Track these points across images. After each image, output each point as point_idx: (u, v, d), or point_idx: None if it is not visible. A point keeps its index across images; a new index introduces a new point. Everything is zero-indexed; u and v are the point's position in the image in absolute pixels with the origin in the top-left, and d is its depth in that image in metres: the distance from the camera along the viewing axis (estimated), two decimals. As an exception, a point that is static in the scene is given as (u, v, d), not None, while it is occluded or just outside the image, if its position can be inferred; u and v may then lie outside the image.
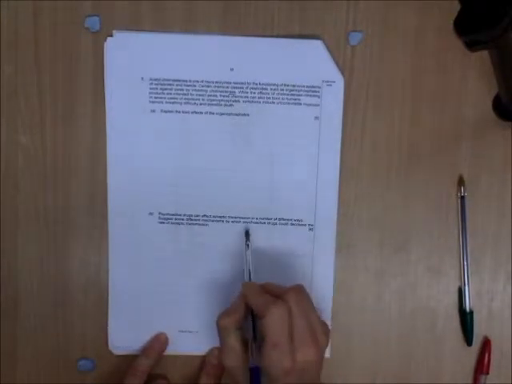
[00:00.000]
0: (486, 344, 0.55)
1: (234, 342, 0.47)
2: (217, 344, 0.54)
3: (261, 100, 0.53)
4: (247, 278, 0.51)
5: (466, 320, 0.55)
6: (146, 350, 0.54)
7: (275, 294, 0.46)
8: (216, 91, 0.53)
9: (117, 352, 0.55)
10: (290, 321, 0.44)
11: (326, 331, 0.47)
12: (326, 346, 0.47)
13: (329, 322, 0.54)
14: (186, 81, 0.53)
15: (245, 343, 0.48)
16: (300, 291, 0.47)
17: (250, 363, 0.46)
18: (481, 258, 0.55)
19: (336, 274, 0.54)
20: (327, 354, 0.54)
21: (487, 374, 0.55)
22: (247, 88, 0.53)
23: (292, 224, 0.54)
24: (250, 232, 0.53)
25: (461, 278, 0.55)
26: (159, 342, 0.54)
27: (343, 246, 0.54)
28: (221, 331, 0.48)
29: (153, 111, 0.53)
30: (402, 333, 0.55)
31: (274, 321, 0.44)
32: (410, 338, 0.55)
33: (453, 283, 0.55)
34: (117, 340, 0.54)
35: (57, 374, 0.55)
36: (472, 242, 0.55)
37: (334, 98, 0.53)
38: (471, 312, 0.55)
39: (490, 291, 0.55)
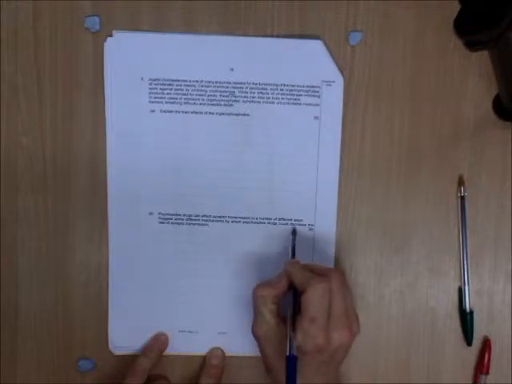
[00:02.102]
0: (486, 344, 0.55)
1: (268, 313, 0.48)
2: (216, 344, 0.54)
3: (261, 100, 0.53)
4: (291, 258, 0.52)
5: (465, 320, 0.55)
6: (145, 349, 0.54)
7: (317, 272, 0.47)
8: (216, 91, 0.53)
9: (117, 352, 0.55)
10: (330, 299, 0.45)
11: (357, 319, 0.47)
12: (358, 332, 0.47)
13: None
14: (186, 81, 0.53)
15: (278, 316, 0.48)
16: (342, 274, 0.48)
17: (288, 352, 0.45)
18: (481, 258, 0.55)
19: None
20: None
21: (487, 373, 0.55)
22: (247, 88, 0.53)
23: (292, 224, 0.54)
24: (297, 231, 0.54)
25: (461, 278, 0.55)
26: (159, 341, 0.54)
27: (343, 245, 0.54)
28: (257, 300, 0.48)
29: (152, 111, 0.53)
30: (402, 333, 0.55)
31: (316, 295, 0.44)
32: (410, 338, 0.55)
33: (453, 283, 0.55)
34: (117, 340, 0.54)
35: (57, 374, 0.55)
36: (472, 242, 0.55)
37: (333, 98, 0.53)
38: (471, 312, 0.55)
39: (490, 291, 0.55)
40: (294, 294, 0.48)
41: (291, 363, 0.44)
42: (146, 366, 0.53)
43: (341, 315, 0.45)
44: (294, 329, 0.45)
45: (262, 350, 0.48)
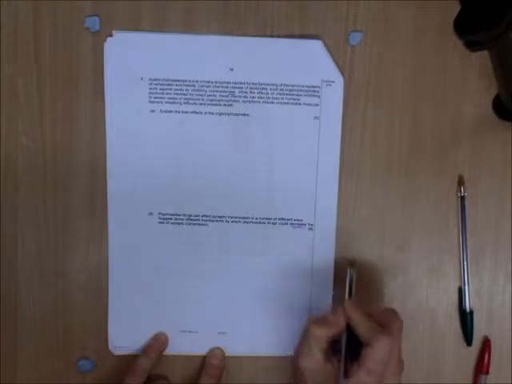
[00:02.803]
0: (486, 344, 0.55)
1: (317, 350, 0.46)
2: (216, 344, 0.54)
3: (260, 100, 0.53)
4: (348, 296, 0.50)
5: (465, 320, 0.55)
6: (145, 349, 0.54)
7: (377, 319, 0.46)
8: (215, 91, 0.53)
9: (117, 352, 0.55)
10: (391, 355, 0.44)
11: (402, 359, 0.47)
12: (401, 373, 0.47)
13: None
14: (186, 81, 0.53)
15: (327, 355, 0.47)
16: (401, 321, 0.47)
17: None
18: (481, 258, 0.55)
19: (336, 273, 0.54)
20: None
21: (487, 373, 0.55)
22: (247, 88, 0.53)
23: (292, 224, 0.54)
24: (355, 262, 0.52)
25: (461, 278, 0.55)
26: (159, 341, 0.54)
27: (343, 245, 0.54)
28: (310, 337, 0.46)
29: (152, 111, 0.53)
30: (402, 333, 0.55)
31: (380, 351, 0.44)
32: (410, 337, 0.55)
33: (453, 283, 0.55)
34: (117, 340, 0.54)
35: (57, 374, 0.55)
36: (472, 242, 0.55)
37: (333, 98, 0.53)
38: (471, 312, 0.55)
39: (490, 291, 0.55)
40: (349, 335, 0.47)
41: None
42: (146, 366, 0.53)
43: (394, 364, 0.45)
44: (346, 374, 0.45)
45: (300, 382, 0.47)
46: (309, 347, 0.46)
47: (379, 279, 0.55)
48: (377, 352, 0.44)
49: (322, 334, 0.46)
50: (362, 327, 0.46)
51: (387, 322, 0.46)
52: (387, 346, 0.44)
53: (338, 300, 0.53)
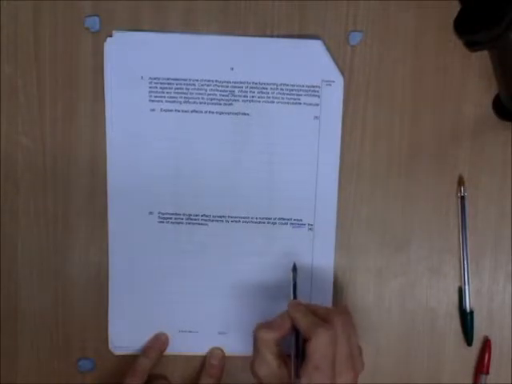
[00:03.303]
0: (486, 344, 0.55)
1: (270, 355, 0.46)
2: (216, 344, 0.54)
3: (260, 99, 0.53)
4: (292, 297, 0.50)
5: (465, 320, 0.55)
6: (146, 349, 0.54)
7: (321, 315, 0.46)
8: (216, 90, 0.53)
9: (117, 352, 0.55)
10: (335, 346, 0.44)
11: (361, 355, 0.47)
12: (362, 370, 0.47)
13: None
14: (186, 80, 0.53)
15: (279, 358, 0.46)
16: (346, 315, 0.47)
17: None
18: (481, 258, 0.55)
19: (336, 273, 0.54)
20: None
21: (487, 373, 0.55)
22: (247, 87, 0.53)
23: (292, 224, 0.54)
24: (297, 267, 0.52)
25: (461, 278, 0.55)
26: (159, 341, 0.54)
27: (343, 245, 0.54)
28: (259, 343, 0.46)
29: (152, 110, 0.53)
30: (402, 333, 0.55)
31: (320, 344, 0.43)
32: (410, 338, 0.55)
33: (453, 283, 0.55)
34: (117, 340, 0.54)
35: (57, 374, 0.55)
36: (472, 242, 0.55)
37: (333, 98, 0.53)
38: (471, 312, 0.55)
39: (490, 291, 0.55)
40: (297, 337, 0.47)
41: None
42: (146, 366, 0.53)
43: (345, 359, 0.44)
44: (297, 374, 0.45)
45: None
46: (260, 353, 0.46)
47: (379, 280, 0.55)
48: (317, 346, 0.43)
49: (269, 339, 0.46)
50: (302, 323, 0.46)
51: (330, 316, 0.45)
52: (327, 339, 0.43)
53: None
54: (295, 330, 0.47)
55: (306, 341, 0.45)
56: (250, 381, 0.54)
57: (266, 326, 0.47)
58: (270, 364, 0.46)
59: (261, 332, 0.46)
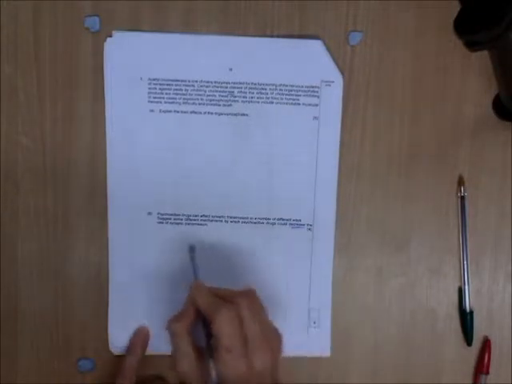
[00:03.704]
0: (486, 344, 0.55)
1: (186, 347, 0.45)
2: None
3: (260, 100, 0.53)
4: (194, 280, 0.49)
5: (465, 320, 0.55)
6: (129, 347, 0.54)
7: (224, 297, 0.45)
8: (215, 91, 0.53)
9: (117, 352, 0.55)
10: (242, 324, 0.43)
11: (279, 337, 0.46)
12: (281, 347, 0.46)
13: (328, 323, 0.54)
14: (185, 81, 0.53)
15: (197, 348, 0.46)
16: (251, 295, 0.46)
17: (211, 382, 0.44)
18: (481, 258, 0.55)
19: (336, 273, 0.54)
20: (327, 354, 0.55)
21: (487, 373, 0.55)
22: (246, 88, 0.53)
23: (291, 224, 0.54)
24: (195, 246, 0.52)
25: (461, 278, 0.55)
26: (141, 336, 0.54)
27: (343, 245, 0.54)
28: (173, 337, 0.46)
29: (152, 111, 0.53)
30: (402, 333, 0.55)
31: (224, 323, 0.43)
32: (410, 338, 0.55)
33: (453, 283, 0.55)
34: (117, 340, 0.54)
35: (57, 374, 0.55)
36: (472, 242, 0.55)
37: (333, 98, 0.53)
38: (471, 312, 0.55)
39: (490, 291, 0.55)
40: (206, 322, 0.45)
41: None
42: (133, 364, 0.53)
43: (257, 338, 0.43)
44: (211, 356, 0.44)
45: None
46: (177, 348, 0.45)
47: (379, 280, 0.55)
48: (221, 325, 0.43)
49: (179, 328, 0.45)
50: (204, 305, 0.45)
51: (234, 297, 0.45)
52: (230, 317, 0.43)
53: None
54: (204, 317, 0.46)
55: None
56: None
57: (174, 318, 0.46)
58: (189, 356, 0.45)
59: (171, 325, 0.46)
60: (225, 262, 0.54)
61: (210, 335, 0.45)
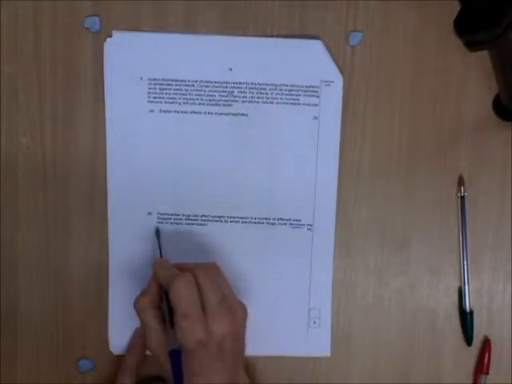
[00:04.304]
0: (486, 344, 0.55)
1: (152, 320, 0.47)
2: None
3: (259, 100, 0.53)
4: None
5: (465, 320, 0.55)
6: (129, 347, 0.54)
7: (185, 269, 0.46)
8: (215, 91, 0.53)
9: (117, 352, 0.55)
10: (199, 291, 0.44)
11: (243, 307, 0.47)
12: (245, 319, 0.47)
13: (328, 322, 0.54)
14: (185, 81, 0.53)
15: (163, 322, 0.47)
16: (210, 266, 0.47)
17: (170, 346, 0.45)
18: (481, 258, 0.55)
19: (336, 273, 0.54)
20: (327, 354, 0.55)
21: (487, 373, 0.55)
22: (246, 88, 0.53)
23: (291, 224, 0.54)
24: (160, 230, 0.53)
25: (461, 278, 0.55)
26: (139, 336, 0.54)
27: (343, 245, 0.54)
28: (139, 313, 0.48)
29: (151, 111, 0.53)
30: (402, 333, 0.55)
31: (180, 290, 0.44)
32: (410, 337, 0.55)
33: (453, 283, 0.55)
34: (117, 340, 0.54)
35: (57, 374, 0.55)
36: (472, 242, 0.55)
37: (332, 98, 0.53)
38: (471, 312, 0.55)
39: (490, 291, 0.55)
40: (167, 295, 0.46)
41: (174, 357, 0.44)
42: (133, 364, 0.53)
43: (217, 305, 0.44)
44: (171, 325, 0.45)
45: (157, 360, 0.48)
46: (146, 325, 0.47)
47: (379, 280, 0.55)
48: (176, 292, 0.44)
49: (143, 303, 0.47)
50: (162, 276, 0.46)
51: (192, 268, 0.46)
52: (184, 283, 0.44)
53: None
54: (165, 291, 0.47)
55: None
56: (250, 380, 0.54)
57: (139, 295, 0.48)
58: (156, 330, 0.47)
59: (136, 302, 0.48)
60: (225, 262, 0.54)
61: (171, 308, 0.46)
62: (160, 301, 0.49)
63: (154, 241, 0.53)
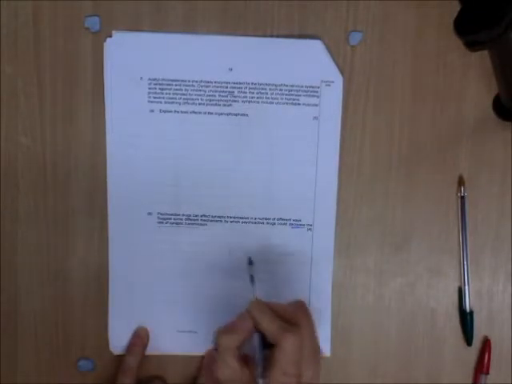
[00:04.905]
0: (486, 344, 0.55)
1: (232, 359, 0.44)
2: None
3: (259, 100, 0.53)
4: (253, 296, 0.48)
5: (465, 320, 0.55)
6: (129, 348, 0.54)
7: (285, 316, 0.45)
8: (215, 91, 0.53)
9: (117, 352, 0.55)
10: (302, 349, 0.43)
11: (319, 347, 0.47)
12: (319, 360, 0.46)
13: (328, 322, 0.54)
14: (185, 81, 0.53)
15: (242, 358, 0.45)
16: (308, 313, 0.46)
17: None
18: (481, 258, 0.55)
19: (336, 273, 0.54)
20: (327, 354, 0.55)
21: (487, 373, 0.55)
22: (246, 88, 0.53)
23: (291, 224, 0.54)
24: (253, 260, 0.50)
25: (461, 278, 0.55)
26: (139, 337, 0.54)
27: (343, 245, 0.54)
28: (222, 349, 0.45)
29: (151, 111, 0.53)
30: (402, 333, 0.55)
31: (289, 350, 0.42)
32: (410, 337, 0.55)
33: (453, 283, 0.55)
34: (117, 340, 0.54)
35: (57, 374, 0.55)
36: (472, 242, 0.55)
37: (332, 98, 0.53)
38: (471, 312, 0.55)
39: (490, 291, 0.55)
40: (258, 337, 0.45)
41: None
42: (133, 364, 0.53)
43: (310, 358, 0.44)
44: (263, 375, 0.43)
45: None
46: (223, 358, 0.44)
47: (379, 280, 0.55)
48: (286, 352, 0.42)
49: (231, 343, 0.44)
50: (268, 328, 0.44)
51: (295, 317, 0.45)
52: (296, 344, 0.43)
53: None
54: (257, 331, 0.45)
55: (270, 343, 0.44)
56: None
57: (227, 331, 0.45)
58: (233, 368, 0.44)
59: (223, 338, 0.45)
60: (225, 262, 0.54)
61: (264, 345, 0.45)
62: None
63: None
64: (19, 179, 0.54)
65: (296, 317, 0.45)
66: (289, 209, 0.54)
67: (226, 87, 0.53)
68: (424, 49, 0.54)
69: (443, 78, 0.54)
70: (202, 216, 0.54)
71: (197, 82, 0.53)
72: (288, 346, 0.42)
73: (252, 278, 0.48)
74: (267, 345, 0.44)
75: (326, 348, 0.55)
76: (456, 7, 0.43)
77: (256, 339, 0.45)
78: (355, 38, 0.53)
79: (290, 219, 0.54)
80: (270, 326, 0.44)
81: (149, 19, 0.53)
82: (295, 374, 0.43)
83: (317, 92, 0.53)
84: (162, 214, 0.54)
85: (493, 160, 0.54)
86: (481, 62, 0.53)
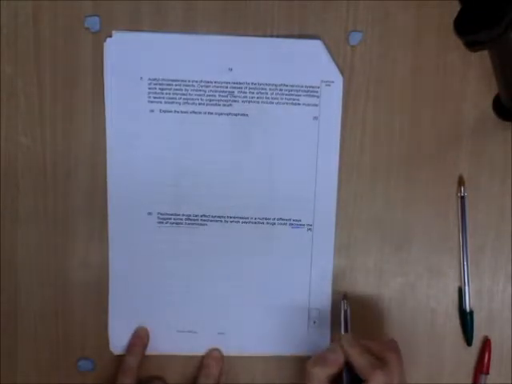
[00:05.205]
0: (486, 344, 0.55)
1: None
2: (215, 344, 0.54)
3: (259, 100, 0.53)
4: (343, 330, 0.50)
5: (466, 320, 0.55)
6: (129, 348, 0.54)
7: (375, 353, 0.46)
8: (215, 91, 0.53)
9: (117, 352, 0.55)
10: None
11: None
12: None
13: (328, 323, 0.55)
14: (185, 81, 0.53)
15: None
16: (399, 351, 0.47)
17: None
18: (481, 258, 0.55)
19: (335, 273, 0.54)
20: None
21: (487, 373, 0.55)
22: (246, 88, 0.53)
23: (291, 224, 0.54)
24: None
25: (461, 278, 0.55)
26: (139, 337, 0.54)
27: (343, 245, 0.54)
28: (312, 379, 0.46)
29: (151, 111, 0.53)
30: (402, 333, 0.55)
31: None
32: (410, 337, 0.55)
33: (453, 283, 0.55)
34: (117, 340, 0.54)
35: (57, 374, 0.55)
36: (472, 242, 0.55)
37: (332, 98, 0.53)
38: (471, 312, 0.55)
39: (490, 291, 0.55)
40: (349, 369, 0.46)
41: None
42: (133, 364, 0.53)
43: None
44: None
45: None
46: None
47: (379, 280, 0.55)
48: None
49: (322, 375, 0.46)
50: (359, 363, 0.45)
51: (385, 354, 0.46)
52: (384, 381, 0.44)
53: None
54: (347, 365, 0.47)
55: (359, 378, 0.45)
56: (250, 381, 0.55)
57: (320, 361, 0.47)
58: None
59: (316, 369, 0.46)
60: (225, 262, 0.54)
61: (352, 380, 0.46)
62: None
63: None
64: (19, 179, 0.54)
65: (386, 354, 0.46)
66: (289, 209, 0.54)
67: (226, 87, 0.53)
68: (424, 49, 0.54)
69: (443, 78, 0.54)
70: (201, 216, 0.54)
71: (197, 81, 0.53)
72: (377, 383, 0.44)
73: (345, 314, 0.50)
74: (356, 380, 0.45)
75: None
76: (456, 7, 0.43)
77: (346, 374, 0.47)
78: (355, 38, 0.53)
79: (290, 219, 0.54)
80: (360, 360, 0.46)
81: (149, 19, 0.53)
82: None
83: (317, 92, 0.53)
84: (161, 214, 0.54)
85: (493, 160, 0.54)
86: (481, 61, 0.53)
